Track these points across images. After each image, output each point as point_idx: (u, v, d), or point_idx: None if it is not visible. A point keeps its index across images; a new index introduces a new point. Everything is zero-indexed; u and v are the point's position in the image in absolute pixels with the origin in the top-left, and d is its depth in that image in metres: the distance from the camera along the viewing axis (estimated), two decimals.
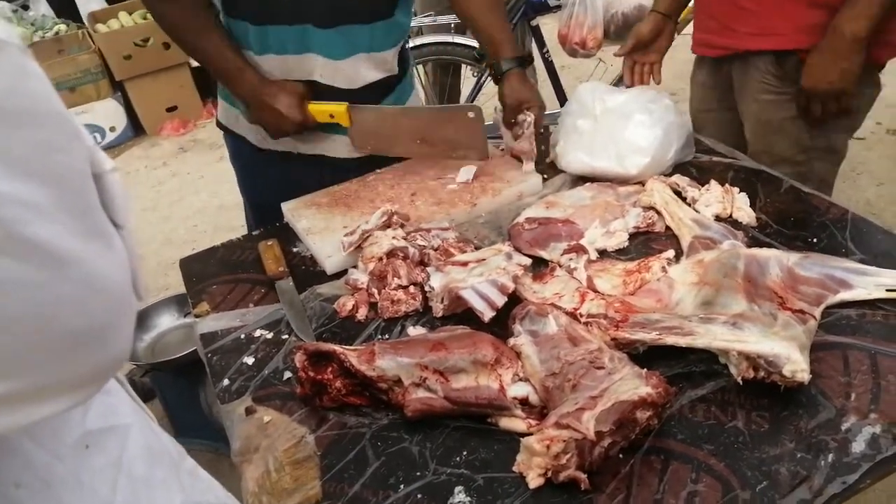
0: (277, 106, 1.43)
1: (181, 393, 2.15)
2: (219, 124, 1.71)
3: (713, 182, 1.46)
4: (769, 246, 1.29)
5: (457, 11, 1.63)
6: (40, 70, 0.45)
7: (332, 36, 1.44)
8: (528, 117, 1.52)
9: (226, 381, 1.13)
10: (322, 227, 1.43)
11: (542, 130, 1.57)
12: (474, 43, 2.89)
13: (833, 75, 1.56)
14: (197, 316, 1.29)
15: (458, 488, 0.91)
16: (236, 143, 1.67)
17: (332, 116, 1.49)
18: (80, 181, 0.49)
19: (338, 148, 1.60)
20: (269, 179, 1.65)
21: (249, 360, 1.16)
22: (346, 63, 1.48)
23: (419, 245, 1.31)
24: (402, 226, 1.35)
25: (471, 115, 1.48)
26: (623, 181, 1.52)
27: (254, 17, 1.42)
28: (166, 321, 2.24)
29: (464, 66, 3.19)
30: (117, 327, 0.51)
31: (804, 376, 0.94)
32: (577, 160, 1.56)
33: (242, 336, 1.22)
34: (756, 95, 1.77)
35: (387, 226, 1.34)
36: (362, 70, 1.51)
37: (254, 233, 1.52)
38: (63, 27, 4.48)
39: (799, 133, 1.72)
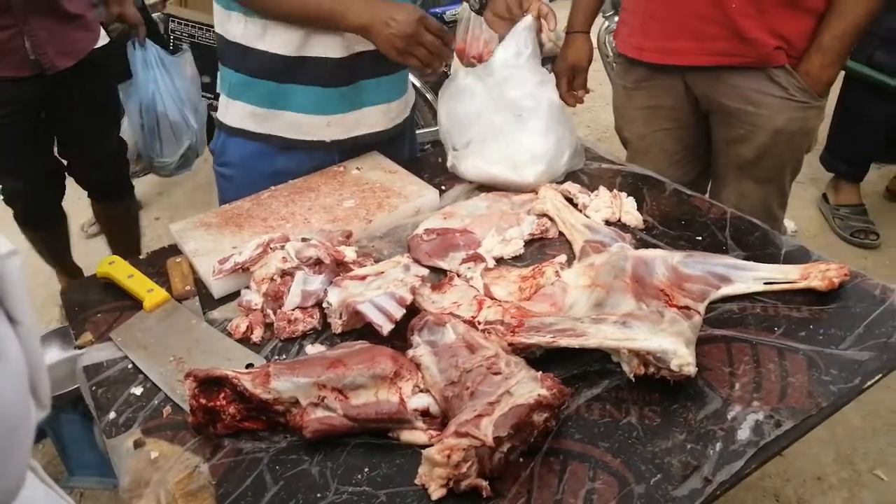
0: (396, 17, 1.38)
1: (74, 430, 2.02)
2: (225, 127, 1.63)
3: (602, 188, 1.50)
4: (655, 247, 1.34)
5: None
6: None
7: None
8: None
9: (112, 415, 1.06)
10: (210, 248, 1.37)
11: None
12: None
13: None
14: (80, 347, 1.22)
15: None
16: (247, 146, 1.62)
17: (130, 277, 1.29)
18: None
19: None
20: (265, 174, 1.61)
21: (137, 391, 1.10)
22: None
23: (309, 257, 1.26)
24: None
25: None
26: (518, 189, 1.55)
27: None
28: (53, 354, 2.11)
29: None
30: (8, 455, 0.42)
31: (690, 370, 0.98)
32: (473, 167, 1.58)
33: (130, 366, 1.15)
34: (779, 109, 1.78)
35: (262, 255, 1.28)
36: None
37: (140, 256, 1.45)
38: None
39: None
